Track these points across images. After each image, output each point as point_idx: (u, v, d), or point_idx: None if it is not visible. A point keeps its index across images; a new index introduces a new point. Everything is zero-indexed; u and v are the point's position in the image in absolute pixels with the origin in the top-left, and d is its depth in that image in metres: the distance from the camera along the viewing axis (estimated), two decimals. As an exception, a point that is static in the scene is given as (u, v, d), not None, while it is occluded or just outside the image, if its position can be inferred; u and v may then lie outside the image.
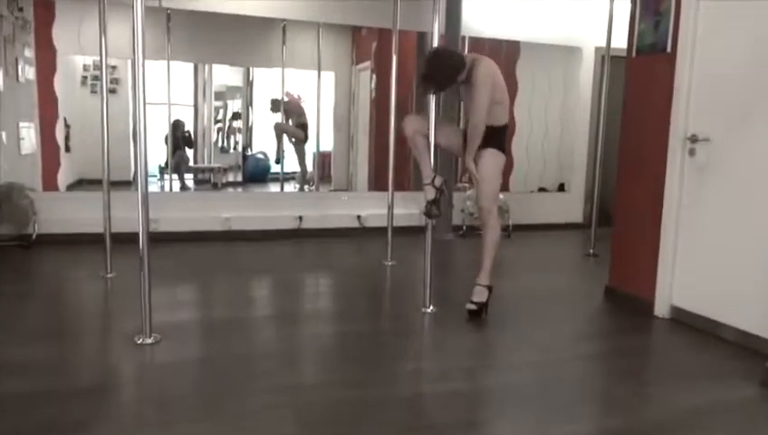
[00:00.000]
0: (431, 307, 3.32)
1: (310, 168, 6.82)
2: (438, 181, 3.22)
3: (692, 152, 3.16)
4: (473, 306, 3.22)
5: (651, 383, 2.56)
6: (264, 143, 7.37)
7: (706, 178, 3.12)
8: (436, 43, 3.25)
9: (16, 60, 4.80)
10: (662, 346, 3.08)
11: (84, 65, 6.45)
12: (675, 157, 3.26)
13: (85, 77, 6.49)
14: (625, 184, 3.66)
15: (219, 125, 7.54)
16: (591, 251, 5.05)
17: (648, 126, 3.46)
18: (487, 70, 3.09)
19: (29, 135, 5.00)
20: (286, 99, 6.47)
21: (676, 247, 3.29)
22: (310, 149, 6.74)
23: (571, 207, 6.38)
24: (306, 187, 6.68)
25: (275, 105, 6.50)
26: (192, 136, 7.09)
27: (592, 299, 3.71)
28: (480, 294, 3.23)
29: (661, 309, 3.36)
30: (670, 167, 3.29)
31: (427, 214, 3.25)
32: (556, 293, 3.88)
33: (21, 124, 4.89)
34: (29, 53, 5.01)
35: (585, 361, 2.78)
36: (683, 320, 3.25)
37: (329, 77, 6.66)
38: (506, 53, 6.05)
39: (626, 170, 3.66)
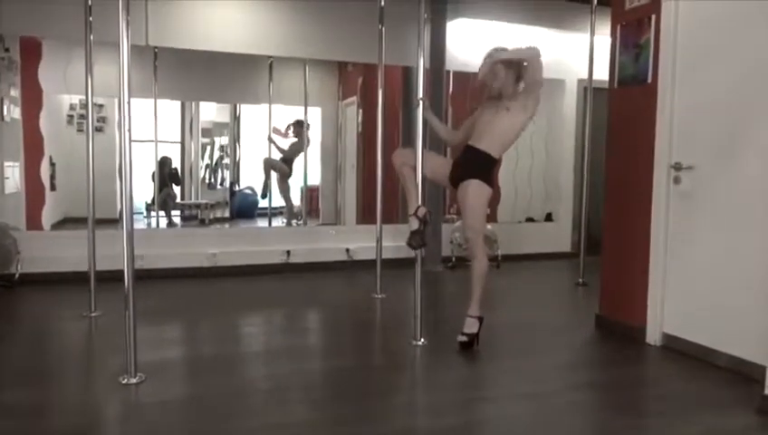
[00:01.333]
0: (422, 340, 3.29)
1: (297, 202, 6.82)
2: (422, 212, 3.22)
3: (677, 180, 3.20)
4: (464, 338, 3.19)
5: (648, 414, 2.53)
6: (251, 179, 7.39)
7: (693, 205, 3.14)
8: (421, 79, 3.29)
9: (1, 100, 4.79)
10: (656, 375, 3.05)
11: (71, 104, 6.48)
12: (660, 185, 3.29)
13: (71, 116, 6.51)
14: (612, 212, 3.69)
15: (207, 161, 7.55)
16: (581, 280, 5.05)
17: (632, 155, 3.50)
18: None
19: (14, 174, 4.96)
20: (275, 135, 6.49)
21: (666, 274, 3.30)
22: (297, 183, 6.75)
23: (558, 237, 6.40)
24: (294, 221, 6.67)
25: (298, 127, 6.48)
26: (179, 173, 7.09)
27: (583, 328, 3.69)
28: (471, 326, 3.21)
29: (653, 337, 3.35)
30: (656, 194, 3.31)
31: (410, 244, 3.23)
32: (547, 322, 3.86)
33: (6, 163, 4.86)
34: (15, 92, 5.01)
35: (579, 391, 2.74)
36: (675, 347, 3.23)
37: (316, 112, 6.73)
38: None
39: (613, 199, 3.68)
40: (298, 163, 6.60)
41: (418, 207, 3.23)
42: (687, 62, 3.17)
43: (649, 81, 3.34)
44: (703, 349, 3.07)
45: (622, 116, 3.60)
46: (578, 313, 3.95)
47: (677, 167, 3.18)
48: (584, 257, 5.13)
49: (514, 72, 3.14)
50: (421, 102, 3.26)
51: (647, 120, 3.35)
